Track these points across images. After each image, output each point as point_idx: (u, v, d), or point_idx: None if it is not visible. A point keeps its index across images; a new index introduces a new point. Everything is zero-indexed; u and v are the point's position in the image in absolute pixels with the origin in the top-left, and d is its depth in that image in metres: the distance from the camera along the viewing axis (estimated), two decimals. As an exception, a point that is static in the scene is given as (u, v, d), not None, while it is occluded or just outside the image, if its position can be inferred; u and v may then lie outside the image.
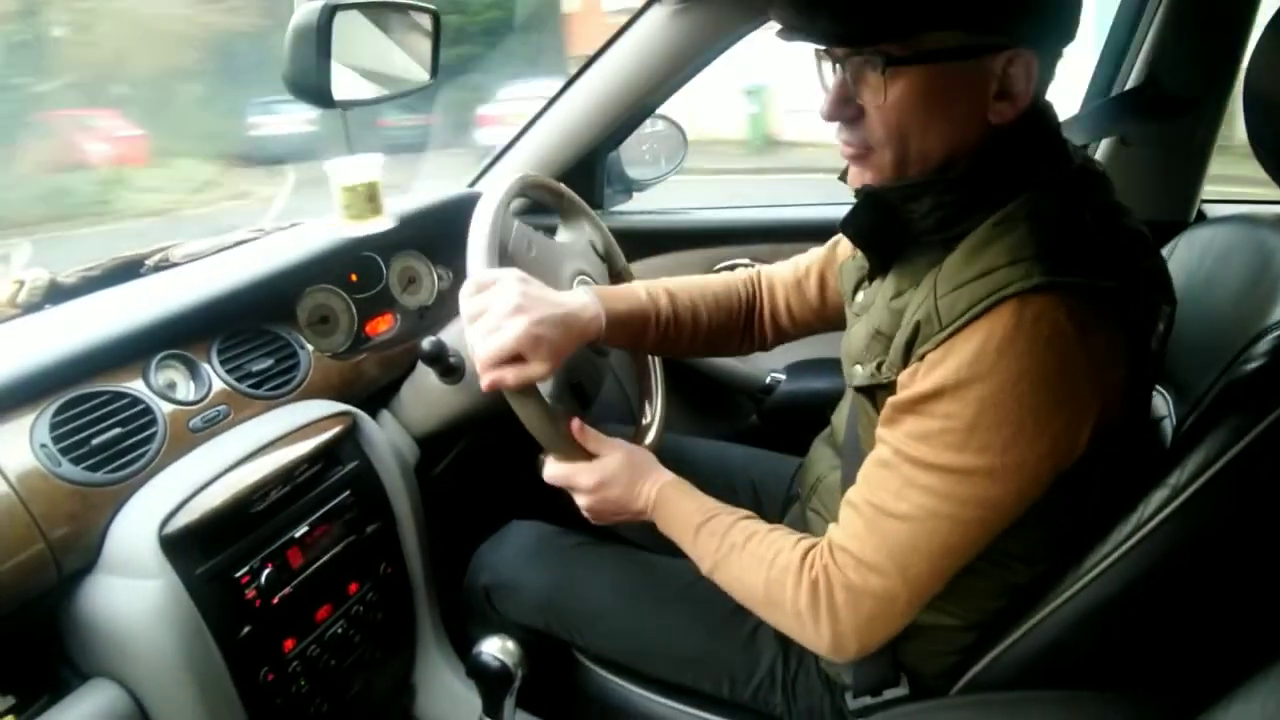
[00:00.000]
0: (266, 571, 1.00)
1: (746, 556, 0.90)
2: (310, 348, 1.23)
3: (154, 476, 0.97)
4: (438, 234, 1.44)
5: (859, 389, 0.89)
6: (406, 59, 1.31)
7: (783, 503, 1.31)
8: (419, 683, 1.29)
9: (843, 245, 1.19)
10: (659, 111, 1.74)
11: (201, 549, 0.96)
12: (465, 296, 0.95)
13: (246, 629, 0.98)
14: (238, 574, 0.98)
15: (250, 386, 1.13)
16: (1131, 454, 0.82)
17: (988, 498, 0.77)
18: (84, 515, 0.91)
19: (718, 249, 1.79)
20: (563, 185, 1.26)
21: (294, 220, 1.47)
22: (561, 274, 1.19)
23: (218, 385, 1.10)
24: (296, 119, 8.53)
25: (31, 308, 1.14)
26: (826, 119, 0.84)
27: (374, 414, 1.26)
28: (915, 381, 0.78)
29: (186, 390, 1.08)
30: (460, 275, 1.34)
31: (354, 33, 1.17)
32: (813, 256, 1.21)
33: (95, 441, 0.95)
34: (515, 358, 0.91)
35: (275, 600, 1.01)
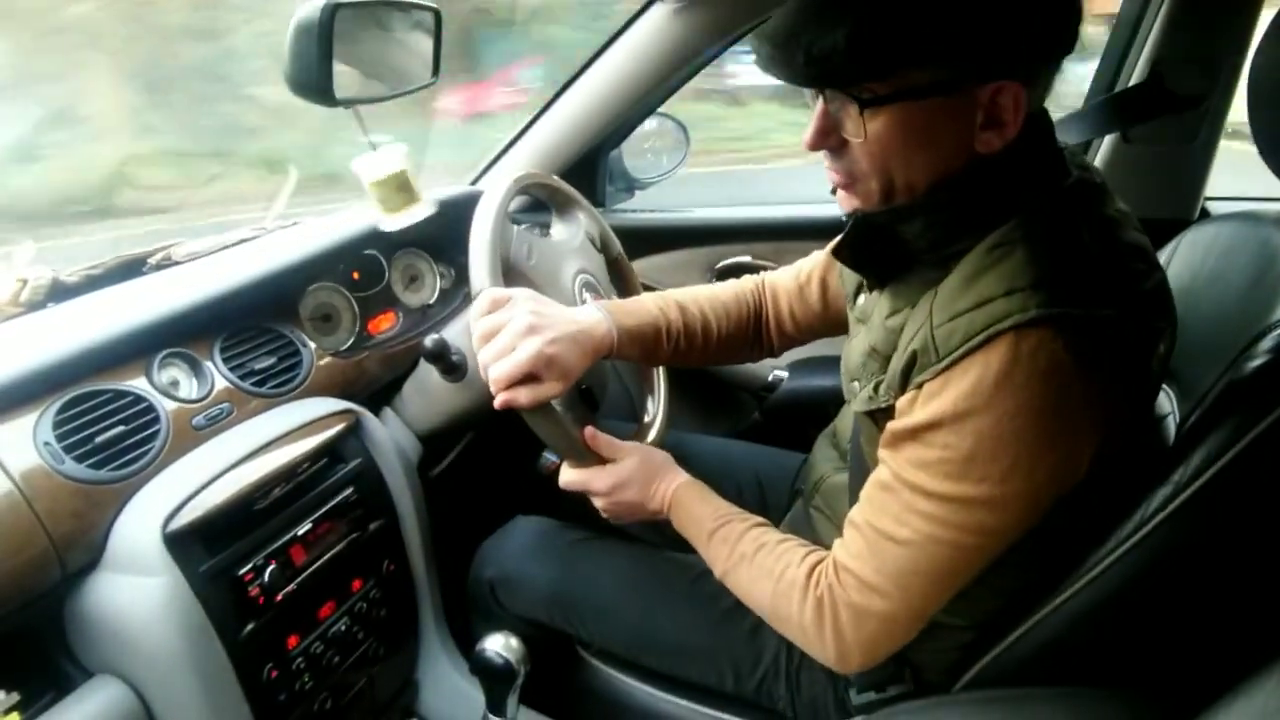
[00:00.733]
0: (270, 569, 1.00)
1: (755, 568, 0.91)
2: (313, 346, 1.23)
3: (157, 474, 0.98)
4: (440, 232, 1.44)
5: (864, 413, 0.89)
6: (409, 57, 1.31)
7: (788, 498, 1.31)
8: (422, 679, 1.29)
9: None
10: (660, 110, 1.74)
11: (205, 546, 0.96)
12: (476, 316, 0.94)
13: (250, 626, 0.98)
14: (241, 571, 0.98)
15: (253, 384, 1.13)
16: (1133, 457, 0.81)
17: (986, 525, 0.77)
18: (88, 513, 0.91)
19: (719, 247, 1.79)
20: (555, 178, 1.26)
21: (294, 219, 1.48)
22: (563, 276, 1.19)
23: (220, 383, 1.10)
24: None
25: (34, 306, 1.15)
26: (809, 148, 0.82)
27: (377, 412, 1.26)
28: (914, 410, 0.78)
29: (189, 388, 1.08)
30: (462, 274, 1.34)
31: (356, 31, 1.17)
32: (813, 262, 1.21)
33: (99, 439, 0.95)
34: (529, 377, 0.91)
35: (279, 597, 1.01)
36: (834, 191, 0.86)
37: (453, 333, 1.25)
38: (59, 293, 1.16)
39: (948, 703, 0.93)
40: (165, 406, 1.02)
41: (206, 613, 0.93)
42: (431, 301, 1.45)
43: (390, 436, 1.23)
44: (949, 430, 0.75)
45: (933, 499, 0.77)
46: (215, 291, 1.13)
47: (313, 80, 1.11)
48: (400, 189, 1.21)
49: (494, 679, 1.03)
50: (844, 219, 0.87)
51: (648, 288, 1.74)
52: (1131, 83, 1.53)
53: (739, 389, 1.85)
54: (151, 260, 1.26)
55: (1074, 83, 1.72)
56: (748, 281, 1.23)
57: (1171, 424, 0.97)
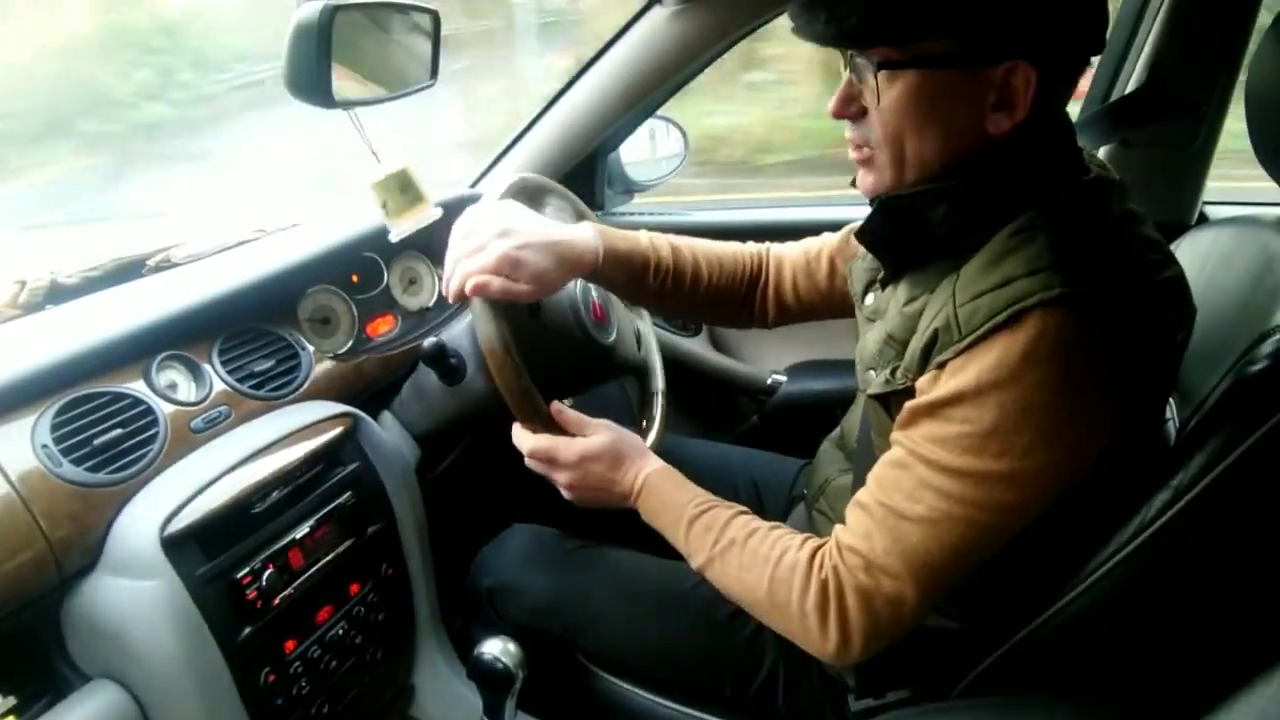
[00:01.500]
0: (268, 572, 1.00)
1: (748, 554, 0.88)
2: (311, 348, 1.23)
3: (155, 477, 0.97)
4: (439, 235, 1.43)
5: (874, 396, 0.89)
6: (407, 59, 1.31)
7: (785, 504, 1.31)
8: (419, 684, 1.28)
9: (856, 244, 1.19)
10: (659, 112, 1.74)
11: (203, 550, 0.96)
12: (459, 221, 0.98)
13: (247, 630, 0.98)
14: (239, 575, 0.98)
15: (251, 387, 1.13)
16: (1135, 457, 0.82)
17: (1003, 502, 0.76)
18: (85, 516, 0.91)
19: None
20: (561, 188, 1.26)
21: (294, 221, 1.47)
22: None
23: (219, 386, 1.10)
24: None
25: (33, 308, 1.14)
26: (832, 115, 0.85)
27: (375, 415, 1.25)
28: (935, 387, 0.78)
29: (188, 391, 1.08)
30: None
31: (355, 33, 1.17)
32: (825, 241, 1.22)
33: (96, 442, 0.95)
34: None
35: (276, 601, 1.01)
36: (853, 184, 0.88)
37: (451, 336, 1.25)
38: (57, 295, 1.16)
39: (946, 709, 0.93)
40: (163, 409, 1.02)
41: (204, 616, 0.93)
42: (430, 304, 1.45)
43: (388, 440, 1.23)
44: (970, 404, 0.75)
45: (950, 474, 0.77)
46: (214, 294, 1.13)
47: (311, 82, 1.11)
48: (403, 189, 1.17)
49: (491, 684, 1.03)
50: (869, 203, 0.88)
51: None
52: (1130, 86, 1.53)
53: (737, 392, 1.85)
54: (150, 262, 1.26)
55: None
56: (750, 246, 1.23)
57: (1171, 428, 0.97)
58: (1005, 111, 0.78)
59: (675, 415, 1.41)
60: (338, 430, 1.13)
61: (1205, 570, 0.81)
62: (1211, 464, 0.76)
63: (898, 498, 0.80)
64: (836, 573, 0.82)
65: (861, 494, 0.84)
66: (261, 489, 1.02)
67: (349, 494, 1.13)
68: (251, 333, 1.18)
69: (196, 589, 0.93)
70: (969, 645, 0.92)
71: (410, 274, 1.45)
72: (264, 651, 1.01)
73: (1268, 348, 0.81)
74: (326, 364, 1.24)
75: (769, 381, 1.80)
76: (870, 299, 1.00)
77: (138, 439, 0.98)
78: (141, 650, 0.92)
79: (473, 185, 1.68)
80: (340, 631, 1.11)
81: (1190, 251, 1.07)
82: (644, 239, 1.12)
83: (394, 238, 1.19)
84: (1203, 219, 1.56)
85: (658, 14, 1.46)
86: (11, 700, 0.88)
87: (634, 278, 1.09)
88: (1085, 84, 1.69)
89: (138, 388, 1.02)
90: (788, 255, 1.23)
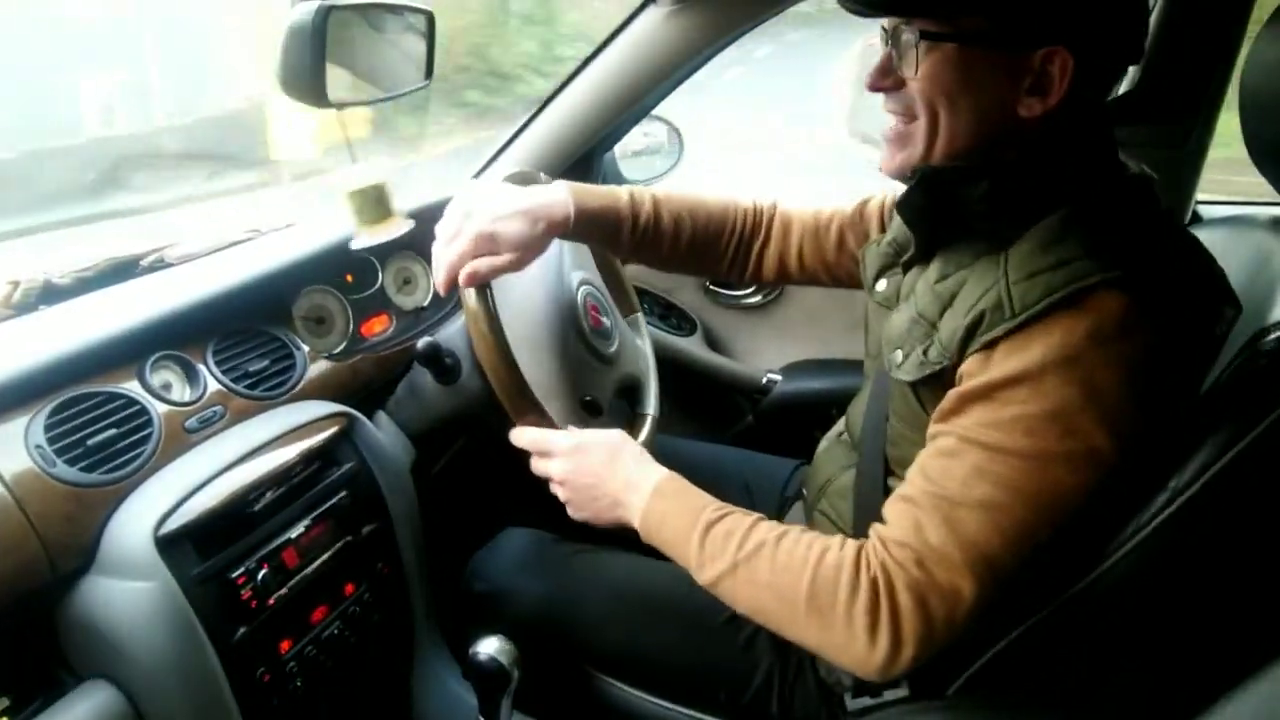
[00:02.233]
0: (262, 572, 1.00)
1: (782, 555, 0.83)
2: (306, 348, 1.23)
3: (149, 477, 0.97)
4: (433, 235, 1.43)
5: (906, 381, 0.86)
6: (402, 60, 1.31)
7: (777, 505, 1.31)
8: (415, 683, 1.28)
9: (871, 216, 1.19)
10: (655, 112, 1.74)
11: (197, 550, 0.96)
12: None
13: (242, 630, 0.98)
14: (233, 575, 0.98)
15: (246, 387, 1.12)
16: (1146, 451, 0.82)
17: (1061, 485, 0.75)
18: (79, 516, 0.91)
19: None
20: (544, 176, 1.26)
21: (289, 221, 1.47)
22: (566, 280, 1.21)
23: (213, 386, 1.09)
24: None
25: (25, 309, 1.14)
26: (870, 87, 0.86)
27: (370, 415, 1.25)
28: (988, 369, 0.76)
29: (182, 391, 1.08)
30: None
31: (349, 34, 1.17)
32: (835, 209, 1.21)
33: (90, 442, 0.95)
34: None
35: (271, 601, 1.01)
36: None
37: (446, 335, 1.25)
38: (50, 295, 1.16)
39: (942, 707, 0.93)
40: (157, 409, 1.02)
41: (198, 616, 0.93)
42: (425, 304, 1.45)
43: (384, 439, 1.23)
44: (1032, 386, 0.74)
45: (1009, 457, 0.75)
46: (208, 294, 1.13)
47: (305, 82, 1.11)
48: (377, 202, 1.18)
49: (487, 683, 1.03)
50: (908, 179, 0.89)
51: (641, 290, 1.75)
52: (1123, 87, 1.53)
53: (732, 391, 1.85)
54: (144, 262, 1.26)
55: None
56: (747, 200, 1.23)
57: None
58: (1039, 96, 0.79)
59: (669, 415, 1.41)
60: (333, 430, 1.13)
61: (1204, 569, 0.81)
62: (1208, 463, 0.76)
63: (951, 485, 0.77)
64: (886, 569, 0.78)
65: (904, 488, 0.82)
66: (256, 489, 1.02)
67: (344, 494, 1.13)
68: (246, 333, 1.18)
69: (191, 589, 0.93)
70: (967, 642, 0.92)
71: (405, 274, 1.45)
72: (259, 651, 1.00)
73: (1265, 345, 0.82)
74: (321, 364, 1.23)
75: (764, 381, 1.80)
76: (883, 284, 0.99)
77: (132, 439, 0.98)
78: (136, 651, 0.91)
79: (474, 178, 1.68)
80: (335, 631, 1.10)
81: (1184, 250, 1.07)
82: (624, 194, 1.12)
83: (355, 246, 1.20)
84: (1196, 218, 1.57)
85: (653, 13, 1.46)
86: (5, 701, 0.88)
87: (610, 230, 1.11)
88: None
89: (132, 388, 1.02)
90: (797, 218, 1.22)
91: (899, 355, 0.88)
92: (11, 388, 0.92)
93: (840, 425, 1.14)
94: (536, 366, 1.13)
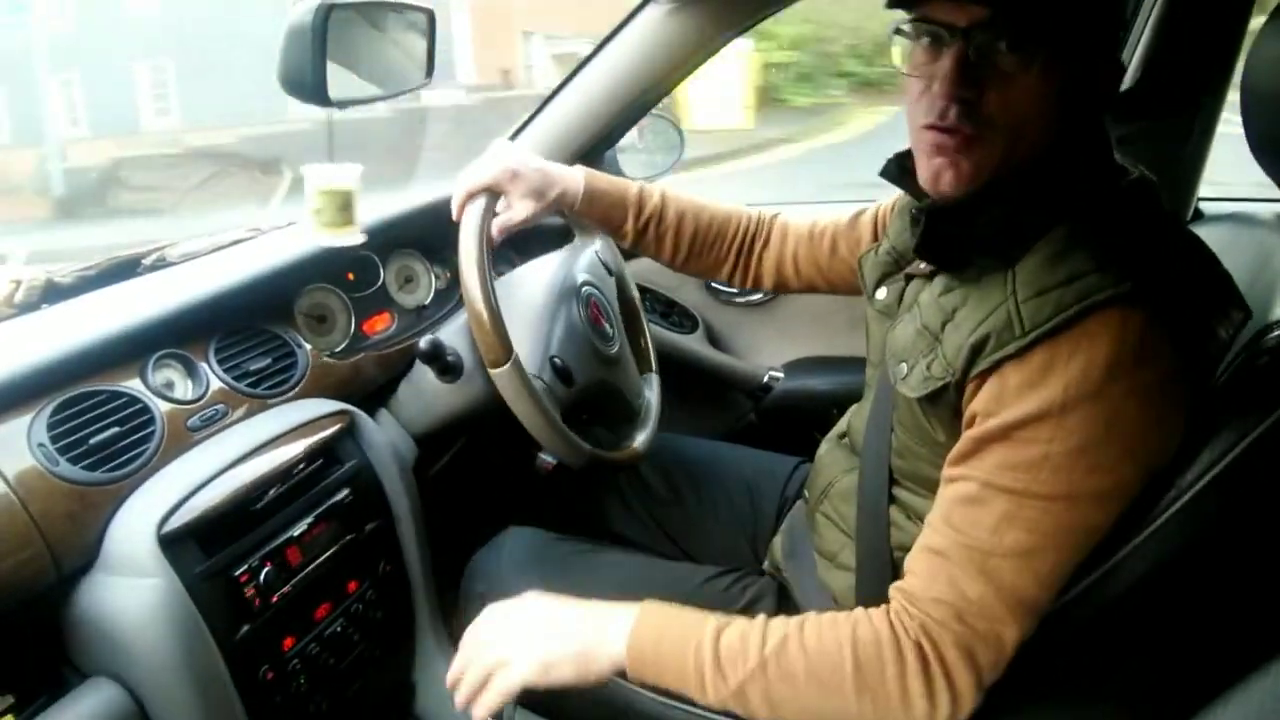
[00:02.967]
0: (265, 570, 1.00)
1: (811, 640, 0.78)
2: (308, 346, 1.23)
3: (152, 475, 0.97)
4: (435, 233, 1.43)
5: (914, 397, 0.84)
6: (403, 58, 1.31)
7: (778, 504, 1.31)
8: (418, 681, 1.28)
9: (864, 227, 1.19)
10: (655, 110, 1.74)
11: (200, 548, 0.96)
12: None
13: (245, 628, 0.98)
14: (236, 573, 0.98)
15: (248, 385, 1.13)
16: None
17: (1091, 520, 0.75)
18: (82, 514, 0.91)
19: None
20: None
21: (290, 220, 1.47)
22: (568, 280, 1.22)
23: (215, 384, 1.09)
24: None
25: (28, 307, 1.14)
26: (945, 98, 0.77)
27: (372, 413, 1.25)
28: (1002, 405, 0.74)
29: (184, 389, 1.08)
30: (456, 275, 1.34)
31: (350, 32, 1.17)
32: (830, 220, 1.23)
33: (93, 441, 0.95)
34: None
35: (274, 599, 1.01)
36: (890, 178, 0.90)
37: (448, 333, 1.25)
38: (53, 294, 1.16)
39: None
40: (160, 408, 1.02)
41: (202, 615, 0.93)
42: (426, 302, 1.45)
43: (386, 437, 1.23)
44: (1053, 424, 0.72)
45: (1036, 500, 0.73)
46: (210, 292, 1.13)
47: (306, 81, 1.11)
48: (342, 208, 1.18)
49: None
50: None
51: (643, 288, 1.75)
52: (1124, 84, 1.53)
53: (734, 389, 1.85)
54: (146, 261, 1.26)
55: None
56: (752, 210, 1.27)
57: None
58: (1093, 102, 0.80)
59: (671, 413, 1.41)
60: (335, 428, 1.13)
61: (1206, 567, 0.81)
62: (1212, 462, 0.76)
63: (981, 535, 0.75)
64: (927, 631, 0.76)
65: (930, 539, 0.79)
66: (259, 487, 1.02)
67: (346, 491, 1.13)
68: (248, 331, 1.18)
69: (194, 587, 0.93)
70: None
71: (406, 272, 1.45)
72: (262, 649, 1.01)
73: (1267, 342, 0.81)
74: (323, 362, 1.24)
75: (766, 379, 1.80)
76: (883, 292, 0.99)
77: (134, 437, 0.98)
78: (139, 648, 0.92)
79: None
80: (339, 629, 1.11)
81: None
82: (634, 186, 1.22)
83: (309, 239, 1.21)
84: (1198, 215, 1.56)
85: (653, 11, 1.46)
86: (10, 699, 0.88)
87: (615, 212, 1.20)
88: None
89: (134, 386, 1.02)
90: (793, 226, 1.26)
91: (904, 368, 0.86)
92: (14, 386, 0.92)
93: (841, 426, 1.13)
94: (517, 308, 1.19)
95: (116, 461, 0.96)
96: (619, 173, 1.83)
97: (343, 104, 1.17)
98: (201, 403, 1.07)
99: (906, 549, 0.83)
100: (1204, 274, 0.79)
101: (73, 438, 0.93)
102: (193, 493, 0.96)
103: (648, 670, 0.81)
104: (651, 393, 1.38)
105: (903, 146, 0.89)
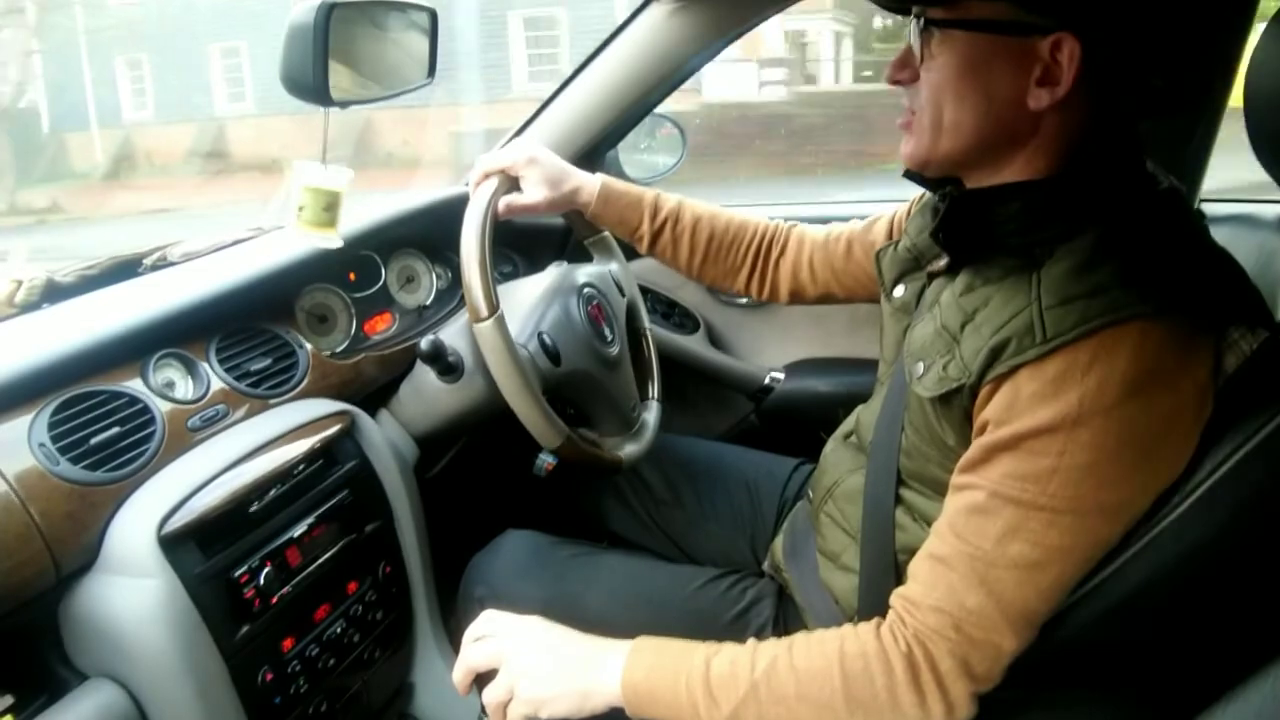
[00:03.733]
0: (265, 571, 1.00)
1: (800, 660, 0.78)
2: (309, 347, 1.23)
3: (153, 476, 0.97)
4: (435, 233, 1.44)
5: (928, 397, 0.83)
6: (405, 58, 1.31)
7: (779, 505, 1.31)
8: (418, 682, 1.28)
9: (879, 230, 1.19)
10: (658, 110, 1.74)
11: (200, 548, 0.96)
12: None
13: (245, 629, 0.98)
14: (236, 573, 0.98)
15: (249, 386, 1.12)
16: None
17: (1100, 533, 0.74)
18: (82, 514, 0.91)
19: None
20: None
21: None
22: (569, 279, 1.22)
23: (216, 384, 1.09)
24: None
25: (29, 307, 1.14)
26: (888, 80, 0.86)
27: (373, 413, 1.25)
28: (1014, 414, 0.73)
29: (185, 389, 1.08)
30: (458, 275, 1.34)
31: (352, 31, 1.17)
32: (845, 226, 1.24)
33: (94, 441, 0.95)
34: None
35: (274, 600, 1.01)
36: (906, 175, 0.90)
37: (449, 333, 1.25)
38: (54, 293, 1.16)
39: None
40: (160, 408, 1.02)
41: (201, 615, 0.93)
42: (428, 302, 1.45)
43: (386, 438, 1.23)
44: (1066, 436, 0.71)
45: (1042, 513, 0.73)
46: (211, 292, 1.13)
47: (308, 81, 1.11)
48: (327, 208, 1.19)
49: (489, 681, 1.03)
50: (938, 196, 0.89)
51: (644, 288, 1.75)
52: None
53: (735, 391, 1.85)
54: (147, 261, 1.26)
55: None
56: (768, 220, 1.29)
57: None
58: (1048, 88, 0.76)
59: (672, 414, 1.41)
60: (335, 428, 1.13)
61: (1210, 569, 0.80)
62: (1217, 464, 0.76)
63: (985, 545, 0.74)
64: (920, 640, 0.76)
65: (934, 546, 0.79)
66: (259, 487, 1.02)
67: (346, 492, 1.13)
68: (248, 331, 1.18)
69: (194, 588, 0.93)
70: None
71: (408, 272, 1.45)
72: (262, 650, 1.01)
73: (1266, 346, 0.81)
74: (324, 362, 1.23)
75: (767, 380, 1.80)
76: (901, 290, 0.98)
77: (135, 437, 0.98)
78: (139, 649, 0.92)
79: (468, 183, 1.68)
80: (338, 630, 1.11)
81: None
82: (649, 193, 1.24)
83: (289, 234, 1.21)
84: (1200, 217, 1.56)
85: (656, 11, 1.46)
86: (9, 699, 0.88)
87: (631, 215, 1.23)
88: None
89: (135, 386, 1.02)
90: (810, 234, 1.27)
91: (920, 368, 0.86)
92: (15, 386, 0.92)
93: (847, 426, 1.12)
94: (515, 300, 1.22)
95: (117, 461, 0.96)
96: (620, 172, 1.83)
97: (344, 104, 1.17)
98: (202, 403, 1.07)
99: (911, 551, 0.83)
100: (1231, 289, 0.78)
101: (73, 437, 0.93)
102: (193, 493, 0.96)
103: (644, 705, 0.82)
104: (650, 415, 1.37)
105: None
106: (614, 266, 1.41)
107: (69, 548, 0.90)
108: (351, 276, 1.35)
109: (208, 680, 0.94)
